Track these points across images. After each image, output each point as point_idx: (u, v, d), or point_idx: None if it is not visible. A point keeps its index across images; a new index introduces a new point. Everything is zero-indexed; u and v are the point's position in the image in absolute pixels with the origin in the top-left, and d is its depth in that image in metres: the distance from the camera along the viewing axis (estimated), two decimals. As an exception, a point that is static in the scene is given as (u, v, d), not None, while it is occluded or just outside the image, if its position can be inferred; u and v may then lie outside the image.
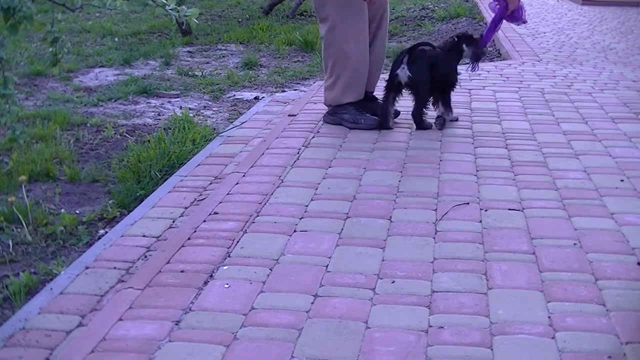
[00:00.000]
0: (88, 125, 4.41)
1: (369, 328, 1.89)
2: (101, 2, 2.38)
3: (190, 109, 4.81)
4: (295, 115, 4.01)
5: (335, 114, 3.82)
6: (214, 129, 4.24)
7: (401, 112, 3.97)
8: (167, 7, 2.36)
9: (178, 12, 2.38)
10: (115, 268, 2.36)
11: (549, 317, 1.94)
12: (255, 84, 5.66)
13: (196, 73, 5.95)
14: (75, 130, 4.29)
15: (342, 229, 2.51)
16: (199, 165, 3.39)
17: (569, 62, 5.79)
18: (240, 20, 8.89)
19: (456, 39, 3.83)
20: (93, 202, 3.23)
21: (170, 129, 4.15)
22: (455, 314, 1.96)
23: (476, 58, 3.90)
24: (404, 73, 3.64)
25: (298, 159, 3.25)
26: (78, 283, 2.27)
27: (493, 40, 7.15)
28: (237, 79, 5.73)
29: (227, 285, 2.11)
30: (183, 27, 7.54)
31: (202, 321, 1.92)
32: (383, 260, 2.27)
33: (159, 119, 4.61)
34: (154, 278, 2.16)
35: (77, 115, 4.62)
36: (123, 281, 2.26)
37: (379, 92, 3.91)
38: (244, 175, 3.05)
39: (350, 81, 3.76)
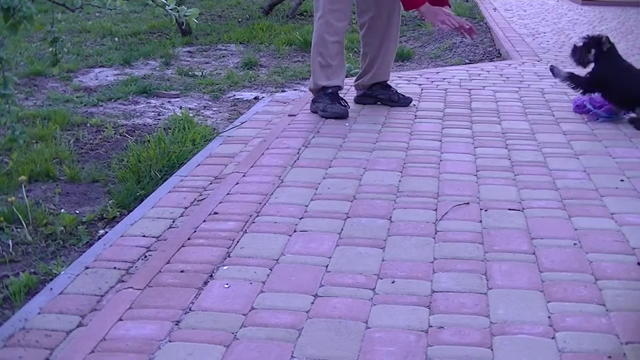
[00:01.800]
0: (88, 125, 4.41)
1: (369, 328, 1.89)
2: (101, 2, 2.38)
3: (190, 109, 4.81)
4: (295, 115, 4.01)
5: (315, 102, 4.02)
6: (214, 129, 4.24)
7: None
8: (167, 7, 2.36)
9: (178, 12, 2.38)
10: (115, 268, 2.36)
11: (549, 317, 1.94)
12: (255, 84, 5.66)
13: (196, 73, 5.95)
14: (75, 130, 4.29)
15: (342, 229, 2.51)
16: (199, 165, 3.39)
17: (569, 62, 5.77)
18: (240, 20, 8.89)
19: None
20: (93, 202, 3.23)
21: (170, 129, 4.15)
22: (455, 314, 1.96)
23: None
24: None
25: (298, 159, 3.25)
26: (78, 283, 2.27)
27: (493, 40, 7.16)
28: (237, 79, 5.73)
29: (227, 285, 2.11)
30: (183, 27, 7.53)
31: (202, 321, 1.92)
32: (383, 260, 2.27)
33: (159, 119, 4.61)
34: (154, 278, 2.16)
35: (77, 115, 4.62)
36: (123, 281, 2.26)
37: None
38: (244, 175, 3.05)
39: (325, 68, 3.95)
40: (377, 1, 4.05)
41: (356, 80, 4.29)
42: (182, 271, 2.20)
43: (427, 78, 5.10)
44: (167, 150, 3.59)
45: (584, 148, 3.44)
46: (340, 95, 4.02)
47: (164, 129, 4.19)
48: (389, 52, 4.17)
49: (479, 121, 3.91)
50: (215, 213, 2.65)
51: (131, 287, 2.10)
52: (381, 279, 2.15)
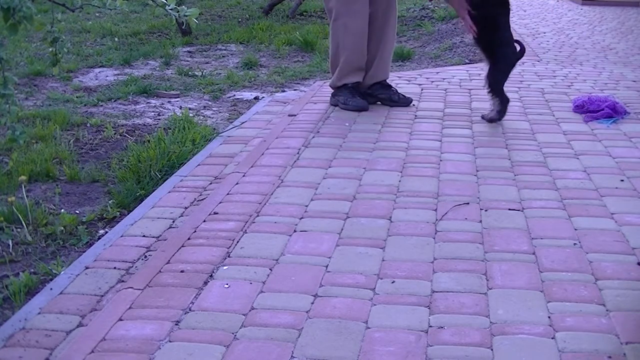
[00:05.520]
0: (88, 125, 4.41)
1: (369, 328, 1.89)
2: (101, 2, 2.38)
3: (190, 109, 4.81)
4: (295, 115, 4.01)
5: (335, 96, 4.20)
6: (214, 129, 4.24)
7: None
8: (167, 7, 2.36)
9: (178, 12, 2.38)
10: (115, 268, 2.36)
11: (549, 317, 1.94)
12: (255, 84, 5.66)
13: (196, 73, 5.95)
14: (75, 130, 4.29)
15: (342, 229, 2.51)
16: (199, 165, 3.39)
17: (569, 62, 5.79)
18: (240, 20, 8.89)
19: None
20: (93, 202, 3.23)
21: (170, 129, 4.15)
22: (455, 314, 1.96)
23: None
24: None
25: (298, 159, 3.25)
26: (78, 283, 2.27)
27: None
28: (237, 79, 5.73)
29: (227, 285, 2.11)
30: (183, 27, 7.53)
31: (202, 321, 1.92)
32: (383, 260, 2.27)
33: (159, 119, 4.61)
34: (154, 278, 2.16)
35: (77, 115, 4.62)
36: (123, 281, 2.26)
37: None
38: (244, 175, 3.05)
39: (345, 68, 4.10)
40: (373, 1, 4.06)
41: None
42: (182, 271, 2.20)
43: (427, 78, 5.11)
44: (167, 150, 3.59)
45: (584, 148, 3.44)
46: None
47: (164, 129, 4.19)
48: (387, 51, 4.20)
49: (479, 121, 3.91)
50: (215, 213, 2.65)
51: (131, 287, 2.10)
52: (381, 279, 2.15)
